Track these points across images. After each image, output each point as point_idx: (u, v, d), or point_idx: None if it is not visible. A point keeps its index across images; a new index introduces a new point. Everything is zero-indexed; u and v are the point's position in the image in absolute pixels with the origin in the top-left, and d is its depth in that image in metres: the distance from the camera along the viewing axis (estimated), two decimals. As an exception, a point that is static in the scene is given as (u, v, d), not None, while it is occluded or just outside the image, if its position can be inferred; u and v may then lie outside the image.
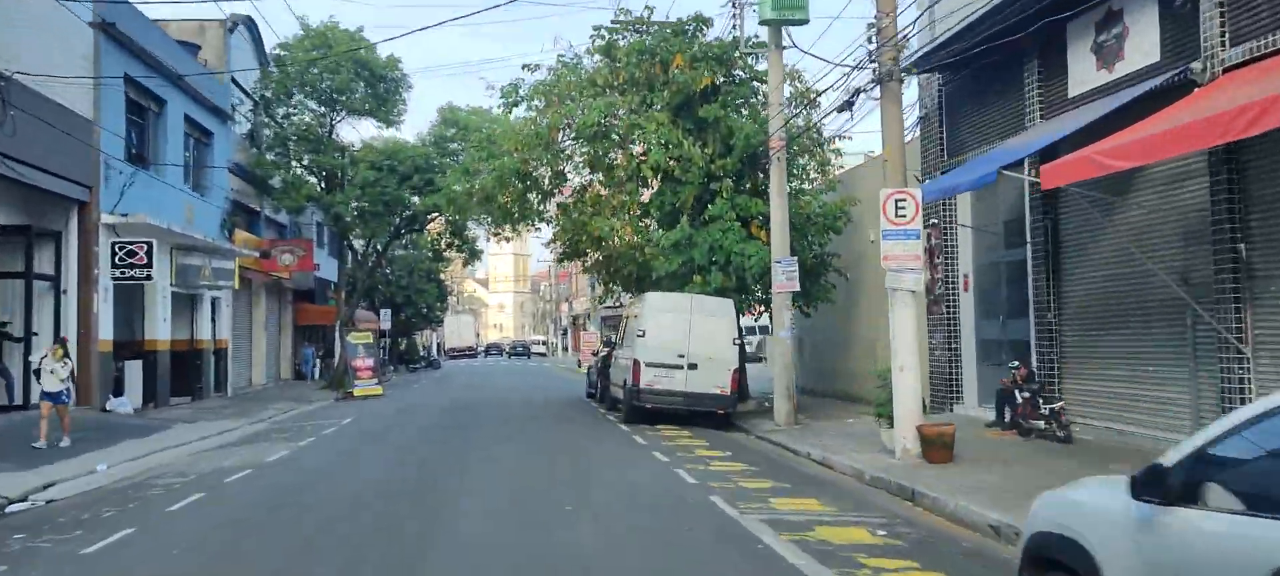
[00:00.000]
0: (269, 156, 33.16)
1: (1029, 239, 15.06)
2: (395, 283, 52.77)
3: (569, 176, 22.68)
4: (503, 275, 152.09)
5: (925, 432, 12.46)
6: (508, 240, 39.83)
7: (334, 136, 34.59)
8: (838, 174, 22.01)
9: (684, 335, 18.64)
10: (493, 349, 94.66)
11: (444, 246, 40.97)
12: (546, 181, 22.47)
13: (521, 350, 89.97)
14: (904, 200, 12.83)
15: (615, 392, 21.40)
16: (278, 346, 38.61)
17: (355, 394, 28.57)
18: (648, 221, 21.72)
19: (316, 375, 38.99)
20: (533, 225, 24.90)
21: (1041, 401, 13.76)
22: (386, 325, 47.84)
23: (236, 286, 29.21)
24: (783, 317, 18.25)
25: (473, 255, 40.10)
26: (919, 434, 12.56)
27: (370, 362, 29.60)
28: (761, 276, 19.50)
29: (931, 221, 18.30)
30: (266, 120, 33.69)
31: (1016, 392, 14.32)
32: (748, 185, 20.65)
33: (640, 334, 18.80)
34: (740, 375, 19.10)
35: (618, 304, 27.91)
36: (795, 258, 18.30)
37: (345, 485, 11.75)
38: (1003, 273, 16.66)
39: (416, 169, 34.20)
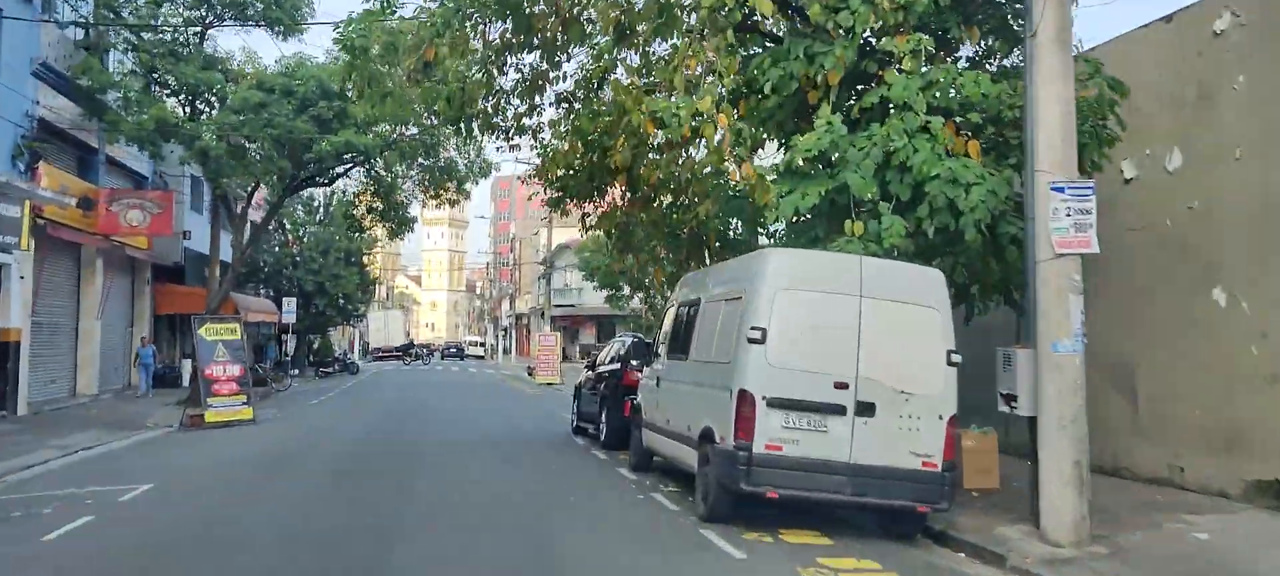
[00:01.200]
0: (112, 72, 22.70)
1: None
2: (305, 265, 42.11)
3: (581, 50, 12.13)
4: (437, 264, 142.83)
5: None
6: (452, 203, 29.45)
7: (205, 45, 24.16)
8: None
9: (850, 340, 8.78)
10: (422, 350, 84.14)
11: (363, 212, 30.08)
12: (550, 36, 11.65)
13: (455, 351, 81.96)
14: None
15: (665, 447, 11.32)
16: (126, 342, 27.81)
17: (207, 419, 18.05)
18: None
19: (183, 381, 28.20)
20: (509, 137, 13.85)
21: None
22: (290, 317, 37.22)
23: (25, 247, 18.54)
24: (1063, 311, 8.48)
25: (402, 224, 29.16)
26: None
27: (236, 371, 18.92)
28: (995, 225, 9.69)
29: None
30: (108, 14, 23.11)
31: None
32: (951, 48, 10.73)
33: (755, 336, 8.81)
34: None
35: (649, 301, 17.34)
36: (1092, 182, 8.53)
37: None
38: None
39: (323, 94, 23.69)
